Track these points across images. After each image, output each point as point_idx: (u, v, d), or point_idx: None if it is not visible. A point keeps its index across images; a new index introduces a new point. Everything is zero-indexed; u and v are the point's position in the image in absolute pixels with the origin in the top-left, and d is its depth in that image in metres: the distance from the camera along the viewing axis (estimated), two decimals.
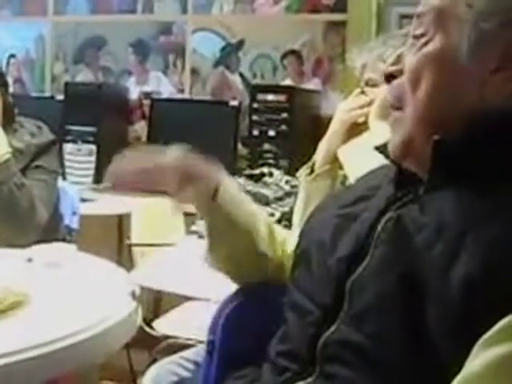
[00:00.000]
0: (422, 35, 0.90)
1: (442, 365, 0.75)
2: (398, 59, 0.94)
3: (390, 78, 0.95)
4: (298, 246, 1.09)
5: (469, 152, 0.85)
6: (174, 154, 1.13)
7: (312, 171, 1.51)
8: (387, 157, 0.98)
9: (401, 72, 0.93)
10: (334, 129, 1.54)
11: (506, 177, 0.83)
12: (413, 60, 0.90)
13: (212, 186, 1.14)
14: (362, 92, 1.58)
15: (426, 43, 0.89)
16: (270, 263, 1.20)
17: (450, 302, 0.75)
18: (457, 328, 0.74)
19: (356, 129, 1.51)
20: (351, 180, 1.41)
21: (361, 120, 1.52)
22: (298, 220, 1.50)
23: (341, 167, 1.50)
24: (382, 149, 0.99)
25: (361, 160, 1.33)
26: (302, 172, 1.54)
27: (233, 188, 1.18)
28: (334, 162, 1.49)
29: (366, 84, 1.61)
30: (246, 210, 1.20)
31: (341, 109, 1.56)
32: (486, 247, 0.75)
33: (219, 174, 1.16)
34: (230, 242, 1.18)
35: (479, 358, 0.68)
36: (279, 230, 1.26)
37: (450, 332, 0.75)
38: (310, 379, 0.90)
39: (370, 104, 1.50)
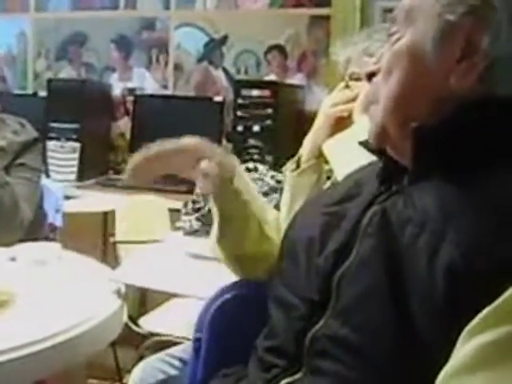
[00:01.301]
0: (396, 33, 0.93)
1: (429, 356, 0.75)
2: (380, 58, 0.97)
3: (371, 76, 0.97)
4: (283, 242, 1.09)
5: (445, 141, 0.86)
6: (188, 139, 1.13)
7: (298, 166, 1.50)
8: (371, 151, 0.99)
9: (379, 70, 0.95)
10: (319, 124, 1.54)
11: (485, 166, 0.83)
12: (386, 56, 0.93)
13: (229, 172, 1.15)
14: (347, 86, 1.58)
15: (397, 40, 0.92)
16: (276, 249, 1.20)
17: (434, 293, 0.75)
18: (442, 319, 0.74)
19: (341, 123, 1.51)
20: (337, 174, 1.41)
21: (345, 114, 1.51)
22: (284, 215, 1.49)
23: (326, 162, 1.49)
24: (365, 144, 1.00)
25: (346, 154, 1.33)
26: (288, 167, 1.53)
27: (246, 177, 1.21)
28: (320, 156, 1.49)
29: (350, 78, 1.61)
30: (257, 200, 1.22)
31: (325, 103, 1.56)
32: (467, 237, 0.76)
33: (234, 161, 1.18)
34: (242, 230, 1.19)
35: (465, 348, 0.68)
36: None
37: (435, 323, 0.75)
38: (297, 375, 0.90)
39: (354, 98, 1.50)
